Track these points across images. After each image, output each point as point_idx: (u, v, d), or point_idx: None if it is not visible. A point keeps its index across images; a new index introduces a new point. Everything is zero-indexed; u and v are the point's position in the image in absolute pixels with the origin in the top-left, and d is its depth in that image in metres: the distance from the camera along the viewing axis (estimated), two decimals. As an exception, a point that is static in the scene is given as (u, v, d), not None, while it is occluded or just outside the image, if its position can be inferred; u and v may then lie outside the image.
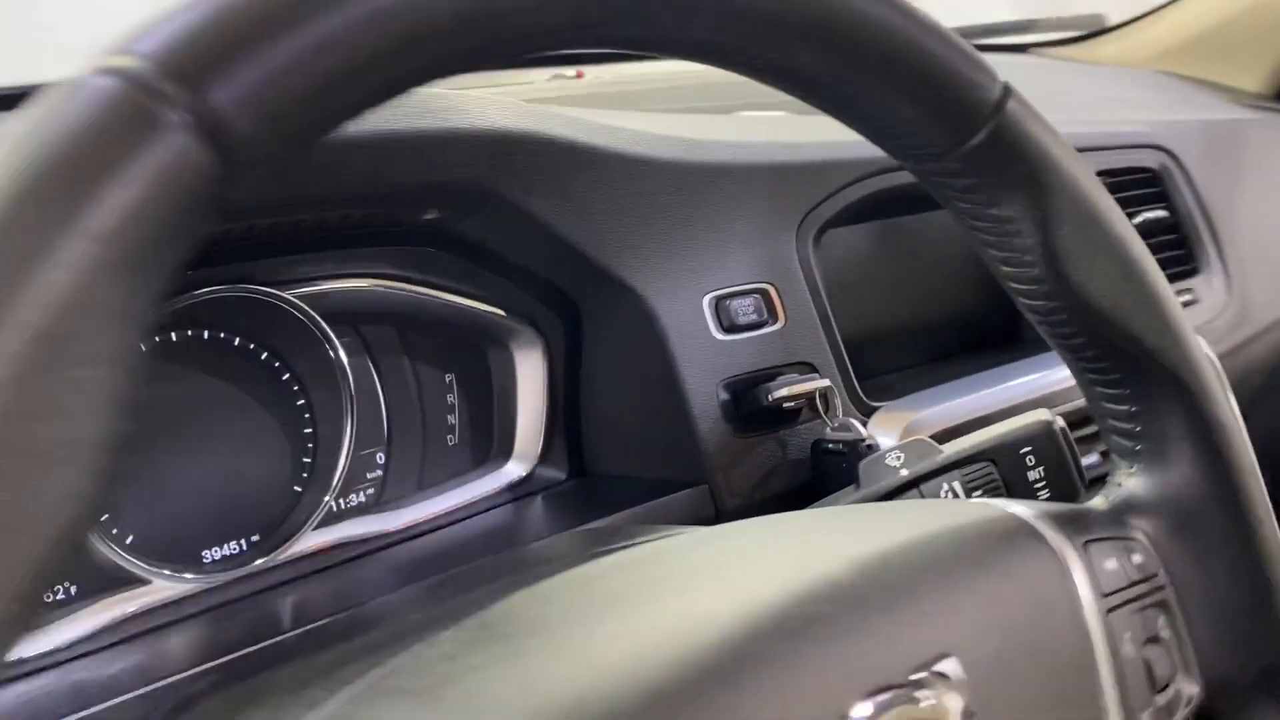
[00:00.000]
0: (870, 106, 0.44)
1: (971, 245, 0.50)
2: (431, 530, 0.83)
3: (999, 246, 0.48)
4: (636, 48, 0.39)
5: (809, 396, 0.83)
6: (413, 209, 0.69)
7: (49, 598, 0.70)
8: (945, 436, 0.75)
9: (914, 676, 0.35)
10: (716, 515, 0.81)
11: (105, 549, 0.68)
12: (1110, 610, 0.45)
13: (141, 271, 0.25)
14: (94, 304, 0.24)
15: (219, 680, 0.61)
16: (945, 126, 0.45)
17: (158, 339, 0.73)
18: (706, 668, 0.32)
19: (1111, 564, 0.47)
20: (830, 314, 0.91)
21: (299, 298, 0.75)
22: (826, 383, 0.84)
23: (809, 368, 0.87)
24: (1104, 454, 0.89)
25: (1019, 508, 0.47)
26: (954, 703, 0.35)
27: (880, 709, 0.33)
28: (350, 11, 0.27)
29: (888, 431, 0.87)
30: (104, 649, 0.68)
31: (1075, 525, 0.47)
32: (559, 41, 0.33)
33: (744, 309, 0.86)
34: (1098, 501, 0.52)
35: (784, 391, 0.82)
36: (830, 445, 0.83)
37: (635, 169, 0.76)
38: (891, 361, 1.05)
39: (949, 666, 0.36)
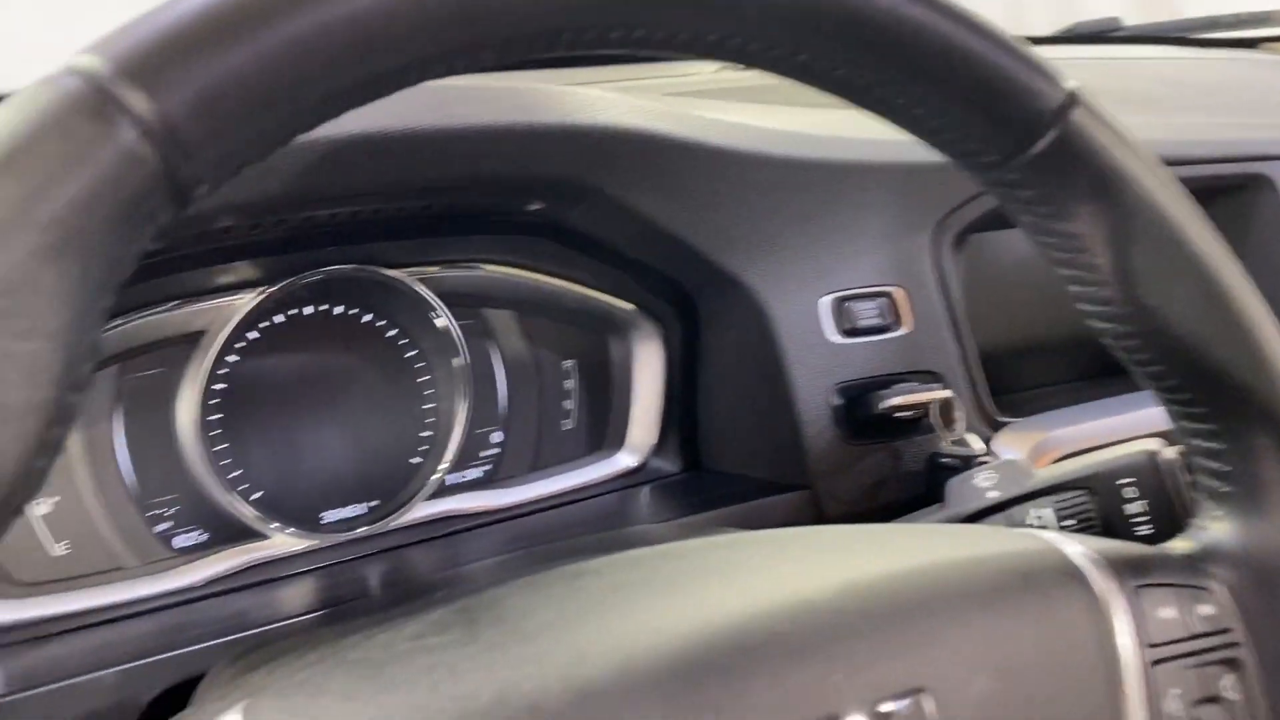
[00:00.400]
0: (919, 111, 0.42)
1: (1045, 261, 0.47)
2: (540, 511, 0.85)
3: (1068, 264, 0.45)
4: (674, 50, 0.38)
5: (926, 407, 0.80)
6: (515, 200, 0.71)
7: (185, 541, 0.76)
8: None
9: (882, 709, 0.34)
10: (818, 521, 0.79)
11: (232, 503, 0.74)
12: (1157, 662, 0.42)
13: (81, 259, 0.27)
14: (27, 284, 0.26)
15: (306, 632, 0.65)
16: (1001, 134, 0.42)
17: (294, 311, 0.78)
18: (639, 674, 0.32)
19: (1168, 612, 0.43)
20: (964, 322, 0.87)
21: (419, 279, 0.78)
22: (947, 394, 0.80)
23: (933, 377, 0.83)
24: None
25: (1070, 544, 0.44)
26: (921, 743, 0.33)
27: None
28: (303, 23, 0.28)
29: (1015, 449, 0.82)
30: (220, 594, 0.74)
31: (1132, 567, 0.44)
32: (543, 47, 0.33)
33: (866, 312, 0.83)
34: (1176, 543, 0.48)
35: (897, 400, 0.79)
36: (945, 459, 0.80)
37: (748, 165, 0.76)
38: (1040, 377, 0.99)
39: (925, 704, 0.34)
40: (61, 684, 0.60)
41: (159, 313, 0.72)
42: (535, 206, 0.73)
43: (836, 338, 0.82)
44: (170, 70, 0.28)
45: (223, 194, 0.60)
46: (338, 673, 0.33)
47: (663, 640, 0.33)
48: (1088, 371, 1.01)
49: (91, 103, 0.27)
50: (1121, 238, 0.43)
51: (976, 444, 0.78)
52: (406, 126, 0.59)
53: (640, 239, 0.78)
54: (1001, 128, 0.42)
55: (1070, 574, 0.42)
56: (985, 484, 0.61)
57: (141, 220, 0.29)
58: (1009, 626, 0.38)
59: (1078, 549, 0.44)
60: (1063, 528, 0.59)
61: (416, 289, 0.78)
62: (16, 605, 0.69)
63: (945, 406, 0.81)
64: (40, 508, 0.71)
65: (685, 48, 0.38)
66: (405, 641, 0.35)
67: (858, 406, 0.81)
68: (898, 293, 0.84)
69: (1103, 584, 0.42)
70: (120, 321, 0.70)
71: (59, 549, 0.72)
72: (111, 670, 0.62)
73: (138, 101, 0.27)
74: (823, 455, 0.80)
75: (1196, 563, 0.46)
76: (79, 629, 0.70)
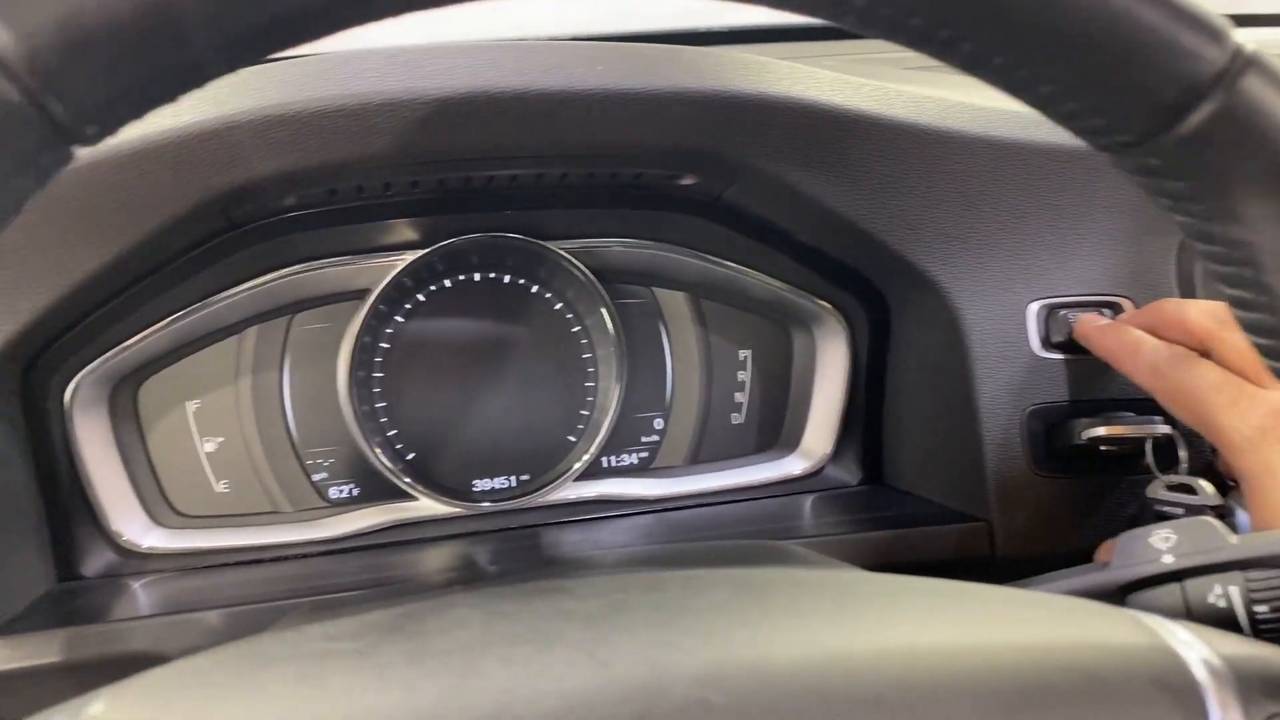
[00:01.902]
0: (1023, 72, 0.33)
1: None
2: (696, 506, 0.80)
3: (1231, 280, 0.35)
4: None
5: (1140, 443, 0.67)
6: (664, 172, 0.66)
7: (338, 493, 0.78)
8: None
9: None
10: (992, 559, 0.69)
11: (382, 462, 0.75)
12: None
13: None
14: None
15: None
16: (1137, 104, 0.33)
17: (462, 277, 0.78)
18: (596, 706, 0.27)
19: (1318, 759, 0.32)
20: (1211, 347, 0.72)
21: (579, 251, 0.75)
22: (1166, 429, 0.67)
23: (1155, 408, 0.70)
24: None
25: (1195, 642, 0.34)
26: None
27: None
28: None
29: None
30: (364, 549, 0.75)
31: (1273, 686, 0.33)
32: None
33: (1083, 325, 0.71)
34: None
35: (1103, 431, 0.67)
36: (1164, 507, 0.67)
37: (941, 145, 0.66)
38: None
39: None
40: (203, 613, 0.62)
41: (326, 267, 0.73)
42: (688, 181, 0.68)
43: (1042, 351, 0.71)
44: (37, 6, 0.25)
45: (367, 146, 0.59)
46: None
47: (617, 685, 0.28)
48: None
49: None
50: (1305, 250, 0.33)
51: (1208, 490, 0.65)
52: (522, 86, 0.56)
53: (809, 223, 0.70)
54: (1137, 95, 0.32)
55: (1177, 687, 0.32)
56: (1162, 545, 0.50)
57: (10, 160, 0.27)
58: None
59: (1201, 650, 0.33)
60: (1253, 615, 0.46)
61: (569, 260, 0.75)
62: (175, 535, 0.73)
63: (1168, 443, 0.68)
64: (207, 445, 0.75)
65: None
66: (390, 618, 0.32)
67: (1056, 434, 0.70)
68: (1126, 305, 0.71)
69: (1221, 703, 0.32)
70: (290, 272, 0.72)
71: (220, 486, 0.75)
72: (252, 607, 0.63)
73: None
74: (1005, 485, 0.69)
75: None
76: (229, 565, 0.73)
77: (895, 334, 0.78)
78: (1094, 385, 0.71)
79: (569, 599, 0.34)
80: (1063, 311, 0.71)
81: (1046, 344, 0.71)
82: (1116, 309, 0.72)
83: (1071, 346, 0.71)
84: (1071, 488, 0.69)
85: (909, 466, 0.78)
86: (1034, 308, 0.71)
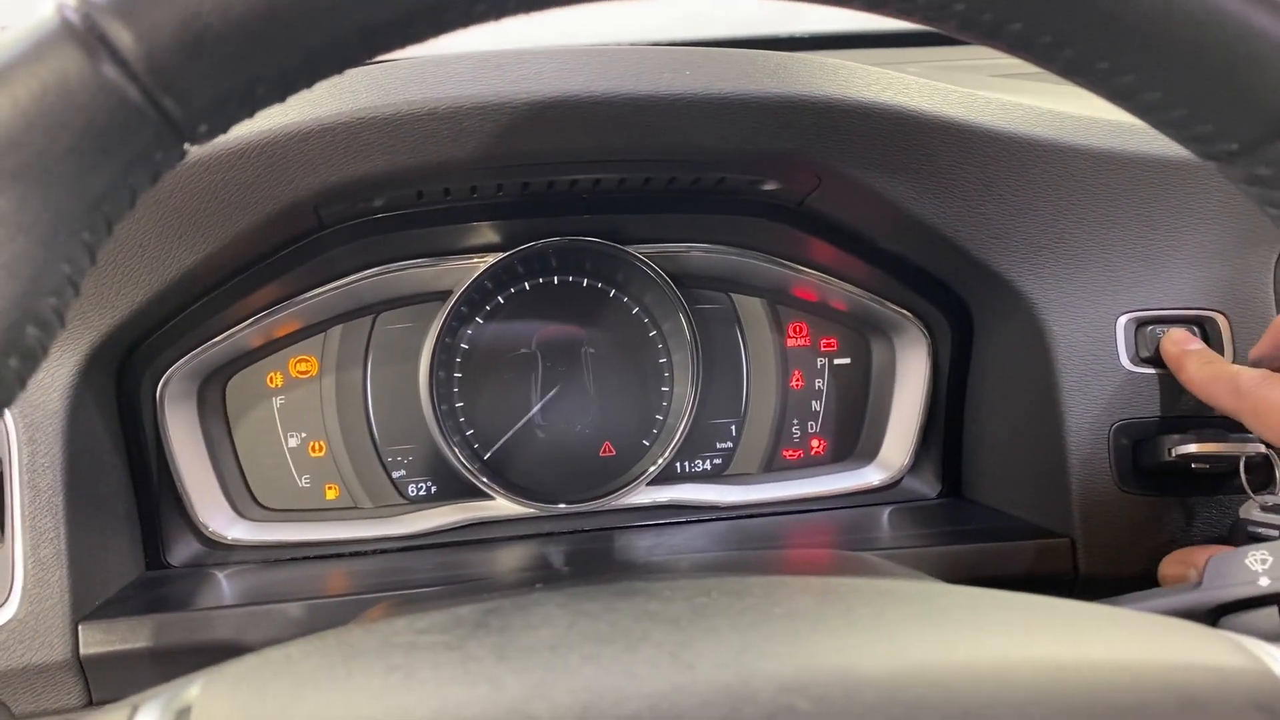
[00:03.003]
0: (1127, 78, 0.33)
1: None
2: (770, 514, 0.80)
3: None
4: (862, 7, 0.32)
5: (1234, 461, 0.65)
6: (746, 177, 0.66)
7: (416, 491, 0.79)
8: None
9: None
10: (1075, 577, 0.68)
11: (460, 461, 0.76)
12: None
13: (42, 187, 0.26)
14: None
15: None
16: (1246, 112, 0.32)
17: (541, 280, 0.78)
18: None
19: None
20: (1310, 364, 0.70)
21: (656, 255, 0.76)
22: (1259, 448, 0.65)
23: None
24: None
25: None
26: None
27: None
28: None
29: (1357, 531, 0.65)
30: (440, 546, 0.76)
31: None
32: None
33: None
34: None
35: (1193, 448, 0.65)
36: (1255, 527, 0.65)
37: (1032, 153, 0.64)
38: None
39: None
40: (285, 605, 0.63)
41: (411, 268, 0.74)
42: (770, 186, 0.67)
43: (1130, 365, 0.69)
44: (156, 7, 0.26)
45: (456, 149, 0.60)
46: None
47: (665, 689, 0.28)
48: None
49: (75, 33, 0.26)
50: None
51: (1299, 514, 0.63)
52: (610, 90, 0.56)
53: (892, 229, 0.69)
54: (1247, 102, 0.32)
55: (1278, 711, 0.31)
56: (1258, 567, 0.48)
57: (127, 155, 0.27)
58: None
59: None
60: None
61: (647, 264, 0.76)
62: (258, 527, 0.75)
63: (1262, 462, 0.65)
64: (290, 440, 0.76)
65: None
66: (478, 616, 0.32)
67: (1144, 450, 0.68)
68: (1219, 319, 0.69)
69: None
70: (376, 273, 0.74)
71: (303, 481, 0.77)
72: (333, 600, 0.65)
73: (121, 35, 0.26)
74: (1090, 502, 0.67)
75: None
76: (310, 558, 0.74)
77: (978, 344, 0.77)
78: (1184, 401, 0.69)
79: (653, 601, 0.34)
80: (1152, 326, 0.70)
81: (1136, 359, 0.69)
82: (1210, 324, 0.70)
83: (1162, 361, 0.69)
84: (1159, 506, 0.67)
85: (989, 480, 0.77)
86: (1124, 321, 0.69)
